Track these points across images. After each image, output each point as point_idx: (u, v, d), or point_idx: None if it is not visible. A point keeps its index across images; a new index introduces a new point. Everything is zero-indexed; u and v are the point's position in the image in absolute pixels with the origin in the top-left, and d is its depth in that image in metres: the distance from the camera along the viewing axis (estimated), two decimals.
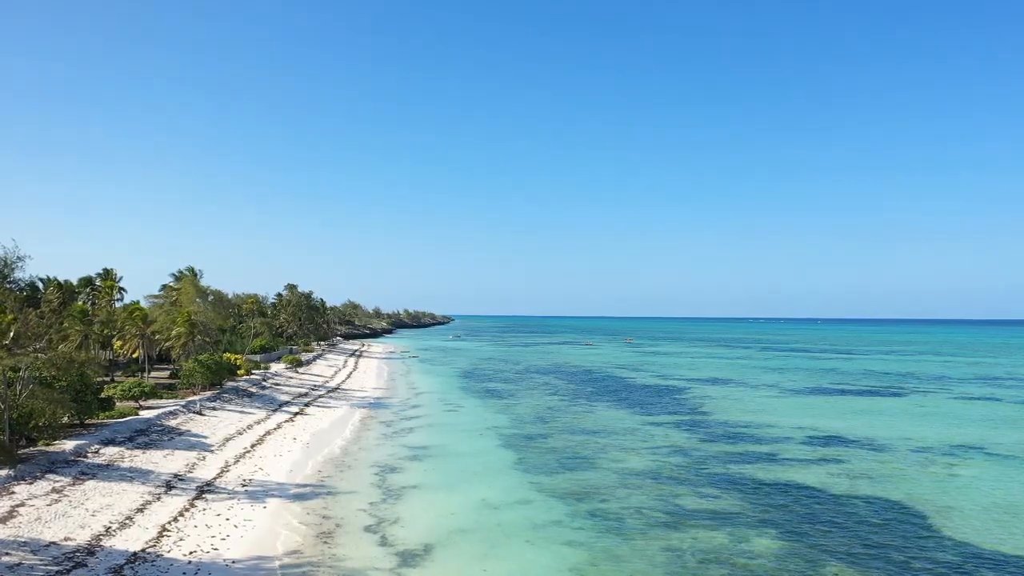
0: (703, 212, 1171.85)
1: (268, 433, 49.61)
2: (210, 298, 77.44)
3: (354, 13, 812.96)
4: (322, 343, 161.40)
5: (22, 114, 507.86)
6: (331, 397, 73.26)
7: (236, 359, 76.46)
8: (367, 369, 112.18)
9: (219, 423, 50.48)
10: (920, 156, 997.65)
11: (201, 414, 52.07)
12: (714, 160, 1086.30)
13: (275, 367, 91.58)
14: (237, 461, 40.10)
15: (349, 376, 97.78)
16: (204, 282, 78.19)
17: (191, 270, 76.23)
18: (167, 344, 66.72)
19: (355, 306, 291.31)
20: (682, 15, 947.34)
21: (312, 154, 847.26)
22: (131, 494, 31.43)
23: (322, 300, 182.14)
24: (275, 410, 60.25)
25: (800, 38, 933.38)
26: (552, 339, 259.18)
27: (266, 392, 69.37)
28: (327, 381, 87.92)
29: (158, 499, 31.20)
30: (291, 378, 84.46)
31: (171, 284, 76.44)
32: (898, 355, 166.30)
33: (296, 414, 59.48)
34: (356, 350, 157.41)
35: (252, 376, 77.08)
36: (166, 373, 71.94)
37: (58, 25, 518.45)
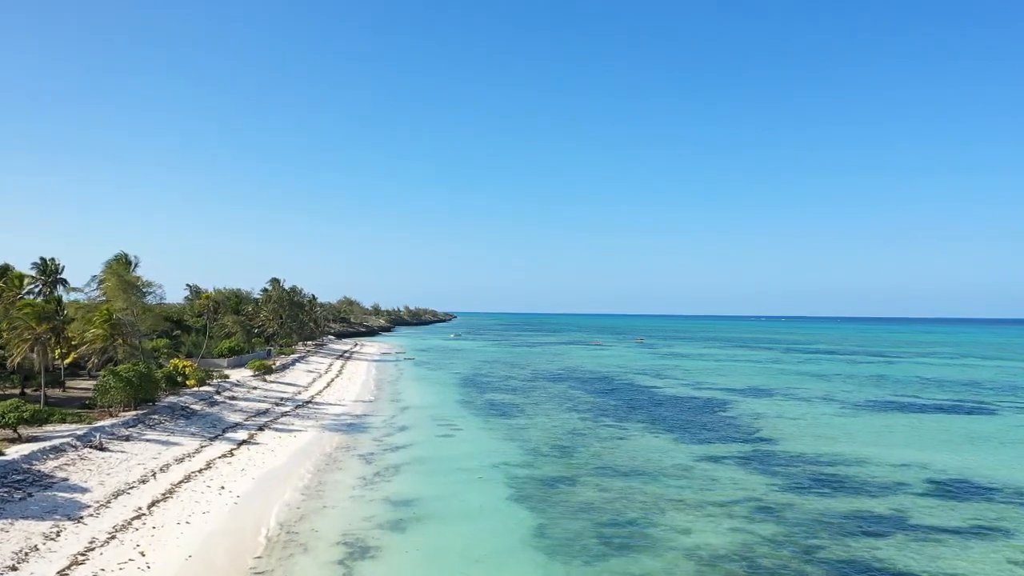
0: (703, 210, 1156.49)
1: (188, 478, 35.68)
2: (147, 292, 63.13)
3: (354, 13, 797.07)
4: (308, 343, 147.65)
5: (22, 112, 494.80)
6: (298, 415, 59.32)
7: (184, 366, 62.57)
8: (353, 375, 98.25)
9: (121, 463, 36.53)
10: (916, 156, 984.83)
11: (102, 448, 38.17)
12: (712, 159, 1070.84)
13: (238, 375, 77.46)
14: (109, 539, 26.15)
15: (329, 384, 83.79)
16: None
17: (123, 257, 62.14)
18: (83, 350, 52.89)
19: (351, 302, 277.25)
20: (682, 15, 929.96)
21: (313, 152, 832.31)
22: None
23: (313, 296, 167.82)
24: (215, 437, 46.30)
25: (800, 37, 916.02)
26: (558, 338, 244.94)
27: (214, 410, 55.43)
28: (300, 392, 73.92)
29: None
30: (255, 388, 70.47)
31: (101, 275, 62.63)
32: (939, 358, 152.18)
33: (242, 443, 45.54)
34: (346, 351, 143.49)
35: (205, 388, 63.20)
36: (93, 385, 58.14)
37: (58, 24, 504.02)
